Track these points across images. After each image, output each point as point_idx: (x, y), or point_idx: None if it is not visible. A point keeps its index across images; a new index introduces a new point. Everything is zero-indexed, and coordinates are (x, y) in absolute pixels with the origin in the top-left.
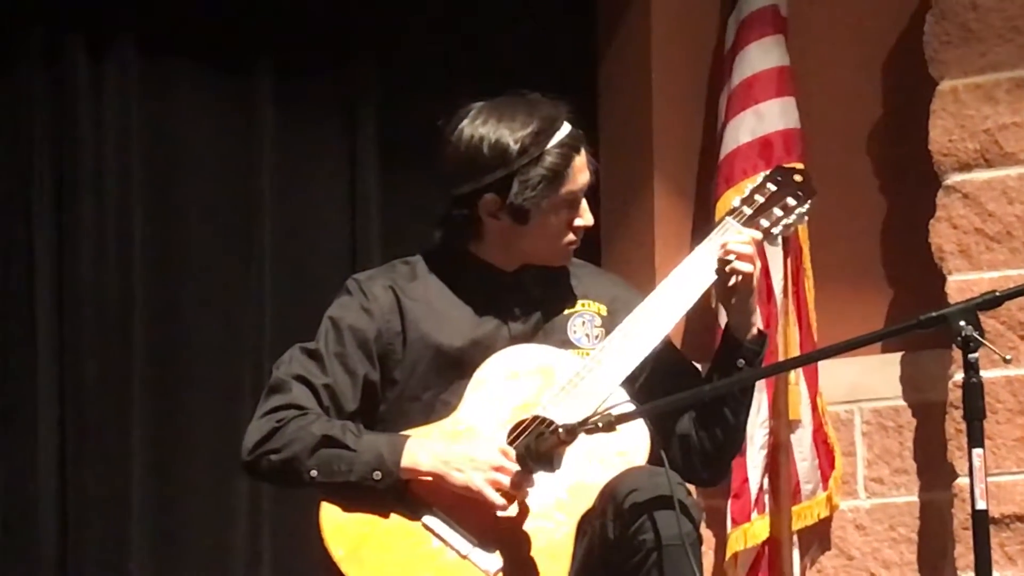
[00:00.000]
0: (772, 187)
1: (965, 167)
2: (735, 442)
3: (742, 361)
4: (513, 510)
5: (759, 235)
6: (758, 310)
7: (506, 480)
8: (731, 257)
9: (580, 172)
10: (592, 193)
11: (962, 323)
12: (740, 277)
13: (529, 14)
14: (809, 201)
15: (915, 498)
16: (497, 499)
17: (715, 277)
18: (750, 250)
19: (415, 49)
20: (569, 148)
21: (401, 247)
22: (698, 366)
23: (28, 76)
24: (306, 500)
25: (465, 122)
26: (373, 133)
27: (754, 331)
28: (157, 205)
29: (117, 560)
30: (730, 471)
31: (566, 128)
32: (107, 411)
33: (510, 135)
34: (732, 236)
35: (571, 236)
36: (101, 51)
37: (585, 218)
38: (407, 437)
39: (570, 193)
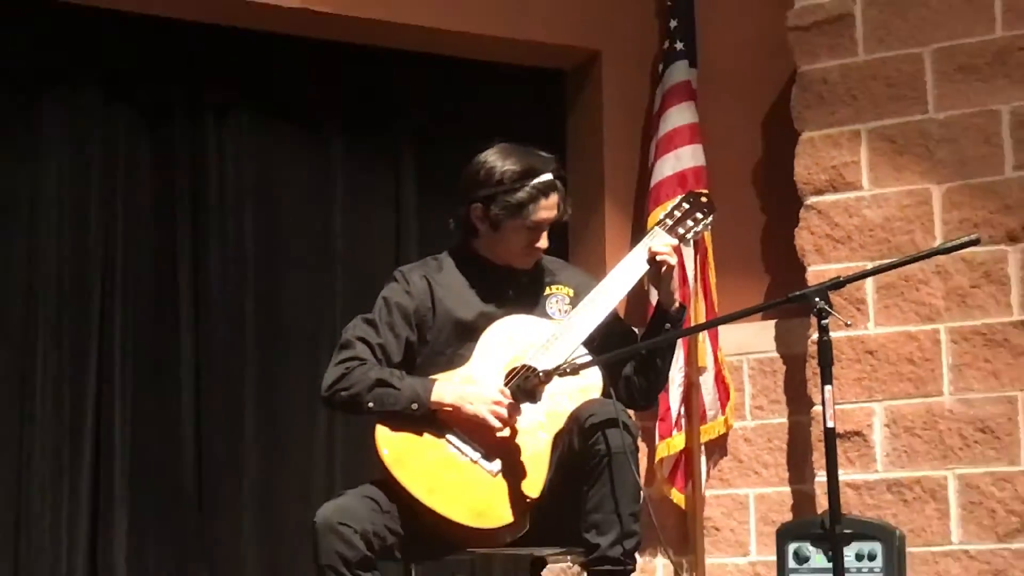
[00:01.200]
0: (686, 206)
1: (819, 191)
2: (662, 382)
3: (668, 325)
4: (507, 431)
5: (675, 241)
6: (678, 291)
7: (503, 411)
8: (658, 255)
9: (544, 210)
10: (559, 226)
11: (817, 299)
12: (664, 268)
13: (523, 91)
14: (712, 215)
15: (785, 420)
16: (496, 423)
17: (647, 268)
18: (670, 250)
19: (440, 121)
20: (539, 192)
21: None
22: (636, 329)
23: (172, 130)
24: (363, 425)
25: (484, 153)
26: (412, 180)
27: (676, 305)
28: (265, 227)
29: (236, 467)
30: (658, 401)
31: (544, 177)
32: (230, 367)
33: (500, 168)
34: (658, 240)
35: (530, 251)
36: (225, 115)
37: (540, 242)
38: (435, 380)
39: (532, 222)
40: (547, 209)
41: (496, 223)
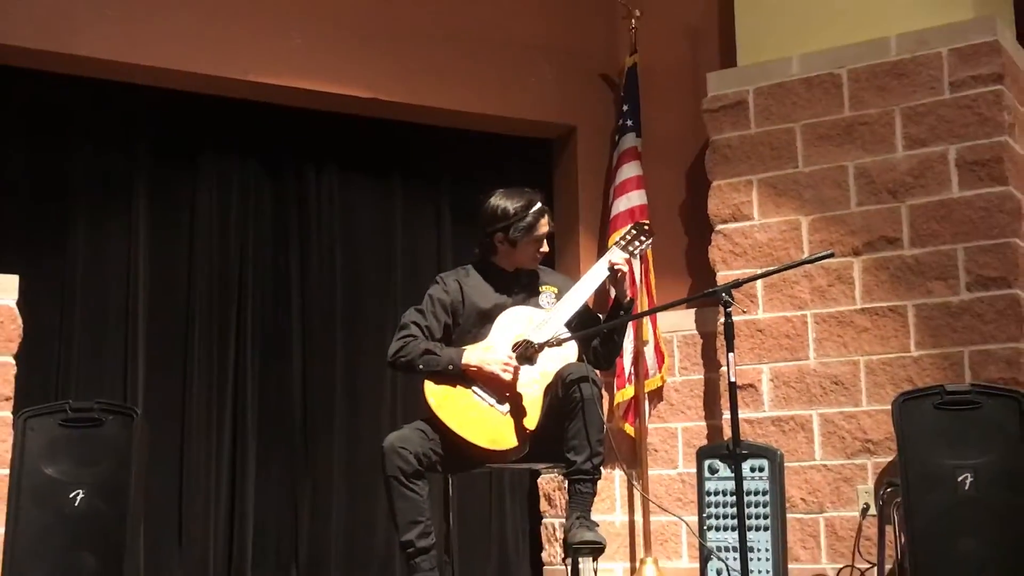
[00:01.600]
0: (634, 231)
1: (725, 221)
2: (618, 351)
3: (622, 312)
4: (514, 384)
5: (627, 255)
6: (629, 289)
7: (511, 370)
8: (615, 266)
9: (543, 227)
10: (551, 237)
11: (724, 295)
12: (619, 274)
13: (520, 154)
14: (651, 238)
15: (702, 377)
16: (506, 378)
17: (608, 274)
18: (623, 262)
19: (468, 174)
20: (538, 215)
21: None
22: (600, 315)
23: (286, 182)
24: (415, 382)
25: (492, 197)
26: (448, 214)
27: (627, 298)
28: (347, 255)
29: (330, 412)
30: (615, 364)
31: (538, 205)
32: (326, 346)
33: (511, 206)
34: (616, 255)
35: (537, 257)
36: (321, 171)
37: (543, 248)
38: (464, 350)
39: (538, 236)
40: (545, 225)
41: (514, 242)
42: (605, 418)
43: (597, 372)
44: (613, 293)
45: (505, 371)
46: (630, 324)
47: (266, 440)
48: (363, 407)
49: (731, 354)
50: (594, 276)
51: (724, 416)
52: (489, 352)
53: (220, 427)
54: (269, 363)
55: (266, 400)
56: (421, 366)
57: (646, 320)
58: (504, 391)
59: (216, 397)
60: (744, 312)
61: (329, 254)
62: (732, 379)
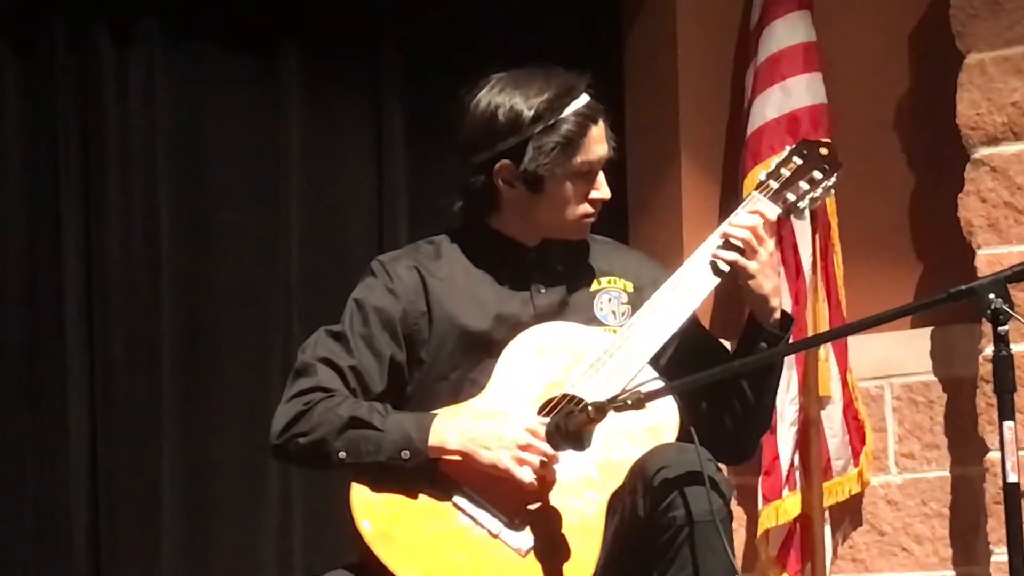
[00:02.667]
0: (798, 160)
1: (993, 140)
2: (757, 421)
3: (764, 344)
4: (542, 488)
5: (777, 210)
6: (782, 289)
7: (534, 459)
8: (749, 239)
9: (597, 143)
10: (616, 169)
11: (991, 296)
12: (758, 257)
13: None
14: (835, 174)
15: (946, 473)
16: (525, 476)
17: (735, 256)
18: (746, 235)
19: (440, 29)
20: (585, 117)
21: (428, 226)
22: (726, 343)
23: (53, 63)
24: (337, 481)
25: (483, 91)
26: (400, 113)
27: (776, 314)
28: (184, 187)
29: (149, 540)
30: (755, 450)
31: (584, 98)
32: (137, 391)
33: (524, 102)
34: (732, 220)
35: (587, 208)
36: (125, 36)
37: (602, 191)
38: (434, 416)
39: (585, 163)
40: (599, 142)
41: (537, 180)
42: (739, 563)
43: (722, 465)
44: (752, 302)
45: (525, 460)
46: (792, 363)
47: None
48: (218, 529)
49: (1010, 424)
50: (708, 263)
51: (995, 557)
52: (492, 421)
53: None
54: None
55: None
56: (343, 454)
57: (825, 354)
58: (523, 506)
59: None
60: None
61: (144, 204)
62: (1013, 478)
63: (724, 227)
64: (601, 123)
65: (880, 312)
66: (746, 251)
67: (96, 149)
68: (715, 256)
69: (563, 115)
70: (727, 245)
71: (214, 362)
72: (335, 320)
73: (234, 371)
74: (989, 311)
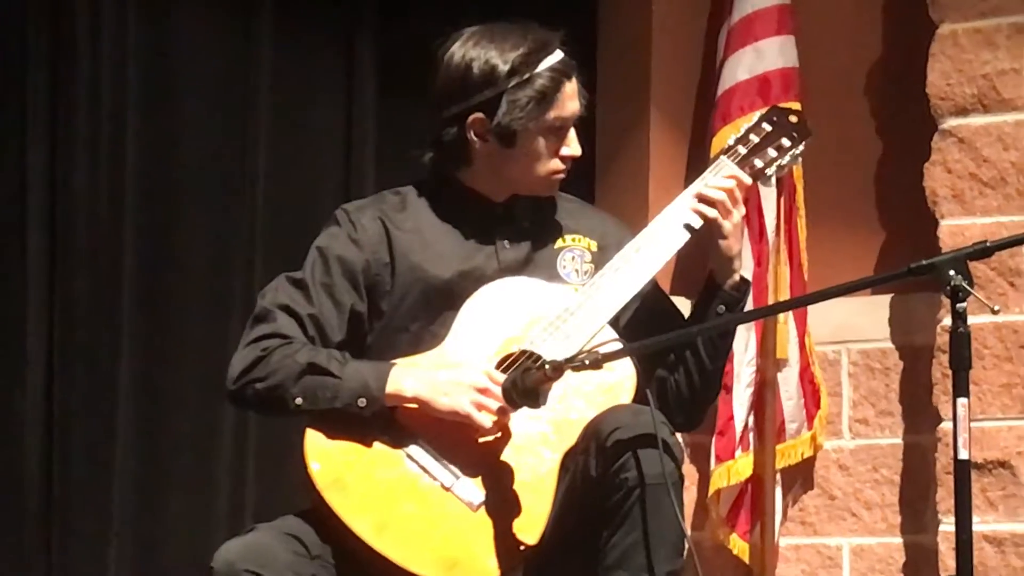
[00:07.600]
0: (767, 127)
1: (962, 112)
2: (711, 387)
3: (722, 307)
4: (498, 440)
5: (747, 177)
6: (742, 254)
7: (493, 404)
8: (717, 199)
9: (570, 99)
10: (585, 126)
11: (952, 272)
12: (723, 219)
13: None
14: (804, 142)
15: (899, 440)
16: (485, 421)
17: (702, 220)
18: (722, 196)
19: None
20: (560, 73)
21: (396, 176)
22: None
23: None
24: (291, 425)
25: (456, 44)
26: (370, 62)
27: (735, 278)
28: (152, 129)
29: (102, 479)
30: (704, 418)
31: (558, 54)
32: (96, 329)
33: (499, 56)
34: (710, 182)
35: (558, 164)
36: None
37: (572, 147)
38: (393, 364)
39: (558, 119)
40: (572, 98)
41: (509, 134)
42: (688, 524)
43: (673, 428)
44: (716, 263)
45: (483, 404)
46: (751, 324)
47: None
48: (172, 468)
49: (964, 401)
50: (676, 223)
51: (943, 526)
52: (450, 371)
53: None
54: None
55: None
56: (299, 400)
57: (785, 318)
58: (477, 458)
59: None
60: (996, 312)
61: (113, 139)
62: (963, 451)
63: (698, 188)
64: (575, 79)
65: (840, 284)
66: (721, 211)
67: (65, 78)
68: (694, 211)
69: (538, 70)
70: (705, 201)
71: (176, 300)
72: (298, 263)
73: (195, 309)
74: (948, 287)
